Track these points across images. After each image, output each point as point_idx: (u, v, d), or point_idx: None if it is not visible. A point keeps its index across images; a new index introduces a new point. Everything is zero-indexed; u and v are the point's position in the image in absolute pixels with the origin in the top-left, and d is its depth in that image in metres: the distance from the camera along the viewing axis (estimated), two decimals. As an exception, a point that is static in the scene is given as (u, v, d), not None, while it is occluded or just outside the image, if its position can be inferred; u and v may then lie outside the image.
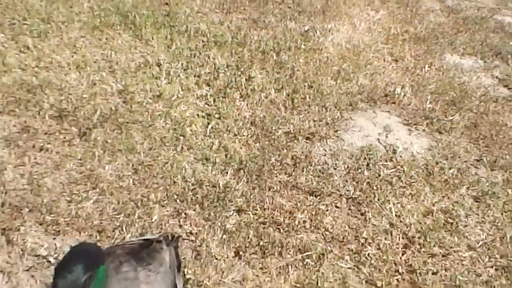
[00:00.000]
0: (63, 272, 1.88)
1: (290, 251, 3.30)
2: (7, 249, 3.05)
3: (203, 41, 5.03)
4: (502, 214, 3.77)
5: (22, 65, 4.29)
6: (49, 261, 3.01)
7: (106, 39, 4.80)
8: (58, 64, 4.39)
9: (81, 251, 2.02)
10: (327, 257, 3.29)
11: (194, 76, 4.59)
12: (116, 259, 2.36)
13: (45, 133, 3.78)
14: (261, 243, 3.31)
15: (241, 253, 3.25)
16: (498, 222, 3.70)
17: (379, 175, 3.93)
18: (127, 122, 3.99)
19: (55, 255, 3.04)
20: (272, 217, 3.49)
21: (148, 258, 2.47)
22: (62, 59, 4.44)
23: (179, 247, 2.84)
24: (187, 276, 3.01)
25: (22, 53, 4.40)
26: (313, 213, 3.57)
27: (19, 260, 3.01)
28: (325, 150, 4.12)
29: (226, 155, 3.89)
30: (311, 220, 3.52)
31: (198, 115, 4.22)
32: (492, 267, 3.38)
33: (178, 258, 2.72)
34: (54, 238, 3.15)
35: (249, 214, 3.48)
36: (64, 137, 3.78)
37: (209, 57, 4.82)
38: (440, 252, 3.44)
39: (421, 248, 3.45)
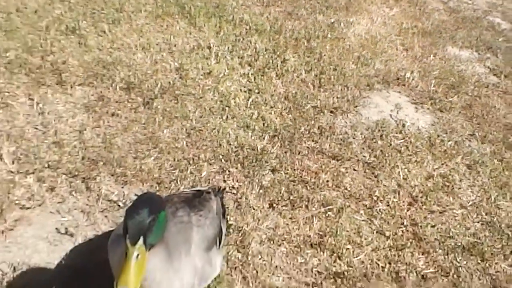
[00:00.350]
0: (132, 214, 1.89)
1: (315, 205, 3.31)
2: (86, 194, 3.08)
3: (246, 29, 4.98)
4: (489, 179, 3.82)
5: (100, 46, 4.27)
6: (119, 205, 3.04)
7: (167, 25, 4.76)
8: (127, 45, 4.37)
9: (147, 198, 2.02)
10: (345, 211, 3.30)
11: (238, 58, 4.55)
12: (173, 205, 2.38)
13: (116, 102, 3.77)
14: (291, 197, 3.31)
15: (274, 205, 3.26)
16: (485, 186, 3.74)
17: (390, 145, 3.92)
18: (182, 94, 3.97)
19: (124, 201, 3.07)
20: (301, 176, 3.49)
21: (199, 205, 2.47)
22: (131, 41, 4.42)
23: (224, 198, 2.83)
24: (230, 222, 3.02)
25: (100, 37, 4.38)
26: (335, 174, 3.57)
27: (96, 203, 3.05)
28: (346, 122, 4.09)
29: (263, 124, 3.88)
30: (333, 180, 3.52)
31: (241, 90, 4.19)
32: (479, 222, 3.44)
33: (223, 207, 2.72)
34: (122, 187, 3.17)
35: (281, 173, 3.48)
36: (131, 105, 3.78)
37: (250, 42, 4.77)
38: (438, 209, 3.47)
39: (422, 205, 3.47)
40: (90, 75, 3.94)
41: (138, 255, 1.85)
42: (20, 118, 3.49)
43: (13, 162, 3.17)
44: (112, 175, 3.22)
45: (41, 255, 2.74)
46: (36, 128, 3.45)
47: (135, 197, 3.00)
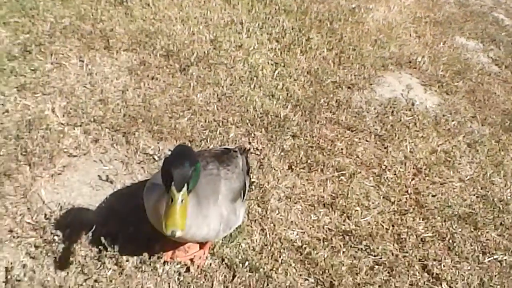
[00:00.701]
0: (177, 165, 1.90)
1: (329, 169, 3.28)
2: (125, 147, 3.07)
3: (275, 9, 4.87)
4: (486, 158, 3.75)
5: (144, 17, 4.21)
6: (154, 158, 3.03)
7: (204, 1, 4.67)
8: (168, 17, 4.30)
9: (185, 151, 2.02)
10: (356, 177, 3.27)
11: (267, 34, 4.46)
12: (204, 159, 2.37)
13: (156, 67, 3.73)
14: (308, 161, 3.28)
15: (293, 167, 3.23)
16: (482, 164, 3.67)
17: (400, 120, 3.84)
18: (215, 63, 3.91)
19: (159, 155, 3.06)
20: (318, 143, 3.44)
21: (227, 161, 2.46)
22: (171, 14, 4.35)
23: (248, 158, 2.80)
24: (253, 180, 3.00)
25: (144, 8, 4.32)
26: (349, 143, 3.52)
27: (134, 156, 3.04)
28: (361, 98, 4.01)
29: (287, 94, 3.81)
30: (346, 148, 3.48)
31: (268, 62, 4.11)
32: (474, 195, 3.39)
33: (248, 165, 2.70)
34: (158, 143, 3.15)
35: (301, 139, 3.44)
36: (169, 71, 3.73)
37: (279, 21, 4.67)
38: (439, 181, 3.41)
39: (425, 177, 3.42)
40: (134, 42, 3.89)
41: (182, 200, 1.88)
42: (71, 77, 3.48)
43: (63, 115, 3.17)
44: (150, 132, 3.20)
45: (84, 198, 2.75)
46: (85, 87, 3.43)
47: (169, 152, 3.01)
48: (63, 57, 3.61)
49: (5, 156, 2.83)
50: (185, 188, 1.89)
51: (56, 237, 2.49)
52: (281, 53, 4.26)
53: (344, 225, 2.93)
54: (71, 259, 2.42)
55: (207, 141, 3.21)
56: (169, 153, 2.02)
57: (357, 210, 3.03)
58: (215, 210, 2.20)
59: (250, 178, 2.74)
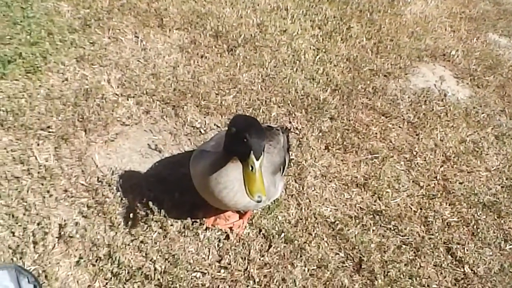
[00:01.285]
0: (255, 135, 1.85)
1: (363, 152, 3.17)
2: (174, 119, 3.03)
3: (319, -2, 4.74)
4: None
5: (193, -2, 4.13)
6: (200, 131, 3.00)
7: (252, -12, 4.57)
8: (218, 1, 4.21)
9: (256, 121, 1.98)
10: (388, 160, 3.16)
11: (310, 21, 4.32)
12: None
13: (205, 46, 3.66)
14: (344, 143, 3.18)
15: (329, 147, 3.13)
16: (508, 155, 3.48)
17: (432, 110, 3.69)
18: (261, 46, 3.81)
19: (205, 128, 3.02)
20: (354, 127, 3.33)
21: (270, 137, 2.41)
22: (221, -3, 4.27)
23: (289, 137, 2.72)
24: (291, 157, 2.91)
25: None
26: (383, 128, 3.40)
27: (182, 128, 3.00)
28: (396, 86, 3.85)
29: (327, 79, 3.69)
30: (380, 133, 3.36)
31: (310, 48, 3.98)
32: (499, 185, 3.23)
33: (288, 143, 2.63)
34: (205, 117, 3.10)
35: (338, 122, 3.34)
36: (218, 50, 3.66)
37: (322, 9, 4.53)
38: (466, 170, 3.27)
39: (454, 164, 3.28)
40: (185, 22, 3.83)
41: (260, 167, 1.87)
42: (127, 51, 3.44)
43: (118, 86, 3.14)
44: (197, 106, 3.14)
45: (134, 164, 2.73)
46: (139, 61, 3.39)
47: (214, 126, 2.96)
48: (120, 32, 3.57)
49: (63, 121, 2.82)
50: (262, 156, 1.85)
51: (107, 199, 2.48)
52: (322, 39, 4.13)
53: (375, 205, 2.84)
54: (120, 220, 2.41)
55: (251, 118, 3.14)
56: (233, 124, 1.93)
57: (387, 191, 2.93)
58: (257, 180, 2.13)
59: (289, 155, 2.67)
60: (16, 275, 2.01)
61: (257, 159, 1.83)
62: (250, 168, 1.84)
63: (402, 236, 2.71)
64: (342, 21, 4.43)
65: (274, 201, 2.56)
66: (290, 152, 2.77)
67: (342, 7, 4.66)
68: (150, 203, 2.42)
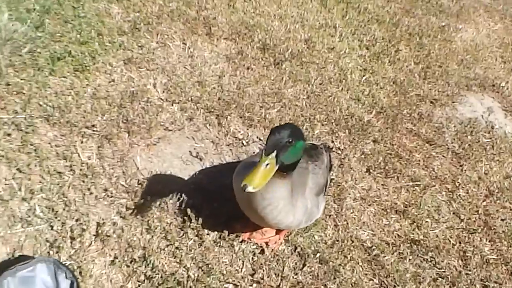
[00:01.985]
0: (274, 132, 1.89)
1: (405, 178, 3.18)
2: (217, 128, 3.09)
3: (368, 17, 4.75)
4: None
5: (245, 10, 4.21)
6: (242, 143, 3.05)
7: (302, 2, 4.62)
8: (267, 13, 4.28)
9: (293, 126, 1.98)
10: (430, 189, 3.16)
11: (358, 40, 4.37)
12: None
13: (252, 58, 3.72)
14: (386, 167, 3.20)
15: (370, 170, 3.15)
16: None
17: (478, 141, 3.67)
18: (308, 62, 3.86)
19: (247, 140, 3.07)
20: (397, 152, 3.34)
21: (315, 156, 2.42)
22: (271, 10, 4.33)
23: (331, 156, 2.74)
24: (332, 177, 2.93)
25: (246, 2, 4.32)
26: (426, 156, 3.40)
27: (224, 137, 3.06)
28: (443, 114, 3.85)
29: (372, 100, 3.72)
30: (423, 160, 3.36)
31: (357, 68, 4.02)
32: None
33: (331, 162, 2.65)
34: (248, 129, 3.15)
35: (381, 145, 3.35)
36: (264, 63, 3.72)
37: (370, 29, 4.56)
38: (510, 206, 3.24)
39: (497, 200, 3.26)
40: (233, 32, 3.90)
41: (267, 164, 1.85)
42: (174, 57, 3.52)
43: (163, 91, 3.21)
44: (241, 117, 3.20)
45: (175, 170, 2.79)
46: (185, 68, 3.46)
47: (257, 139, 3.01)
48: (168, 38, 3.66)
49: (108, 121, 2.90)
50: (273, 154, 1.86)
51: (146, 202, 2.54)
52: (370, 60, 4.16)
53: (413, 233, 2.84)
54: (157, 224, 2.47)
55: (294, 133, 3.18)
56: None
57: (427, 221, 2.93)
58: (302, 202, 2.16)
59: (331, 175, 2.69)
60: (54, 270, 2.07)
61: (266, 155, 1.85)
62: (264, 166, 1.85)
63: (438, 268, 2.70)
64: (390, 43, 4.46)
65: (313, 220, 2.59)
66: (331, 172, 2.80)
67: (392, 28, 4.68)
68: (188, 210, 2.48)
